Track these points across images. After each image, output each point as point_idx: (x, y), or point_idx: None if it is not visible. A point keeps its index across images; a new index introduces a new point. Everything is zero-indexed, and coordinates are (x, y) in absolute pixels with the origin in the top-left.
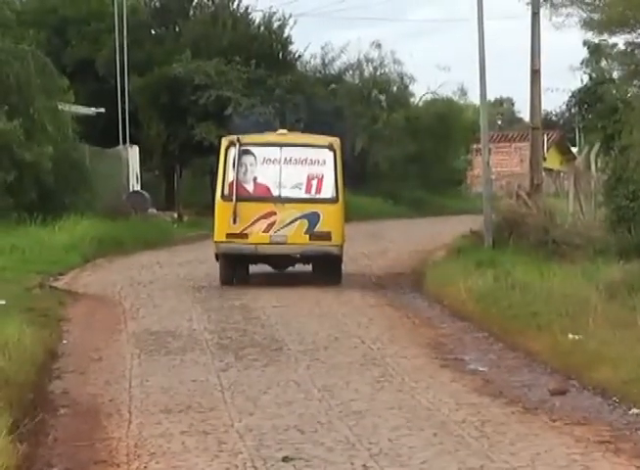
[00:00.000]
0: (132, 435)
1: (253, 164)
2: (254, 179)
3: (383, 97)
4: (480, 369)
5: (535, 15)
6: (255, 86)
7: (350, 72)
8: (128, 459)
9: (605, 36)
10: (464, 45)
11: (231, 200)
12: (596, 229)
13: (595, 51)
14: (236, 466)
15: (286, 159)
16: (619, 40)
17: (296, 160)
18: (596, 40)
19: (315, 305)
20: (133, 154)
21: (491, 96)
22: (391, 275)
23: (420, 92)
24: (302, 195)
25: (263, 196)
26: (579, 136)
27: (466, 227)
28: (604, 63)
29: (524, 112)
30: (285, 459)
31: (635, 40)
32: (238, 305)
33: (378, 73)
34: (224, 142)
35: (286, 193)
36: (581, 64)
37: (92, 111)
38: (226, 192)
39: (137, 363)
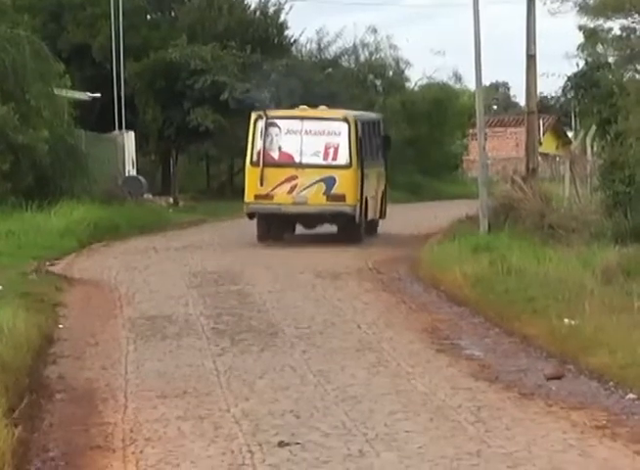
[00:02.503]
0: (128, 420)
1: (278, 134)
2: (279, 148)
3: (378, 82)
4: (477, 354)
5: (531, 0)
6: (251, 71)
7: (346, 57)
8: (124, 444)
9: (600, 21)
10: (459, 30)
11: (258, 165)
12: (592, 213)
13: (591, 36)
14: (232, 451)
15: (306, 130)
16: (615, 25)
17: (315, 131)
18: (592, 25)
19: (311, 290)
20: (129, 139)
21: (487, 81)
22: (387, 260)
23: (415, 77)
24: (321, 161)
25: (287, 162)
26: (575, 120)
27: (462, 212)
28: (600, 47)
29: (519, 96)
30: (281, 444)
31: (631, 25)
32: (234, 291)
33: (373, 58)
34: (253, 116)
35: (306, 160)
36: (577, 49)
37: (88, 96)
38: (254, 159)
39: (133, 348)
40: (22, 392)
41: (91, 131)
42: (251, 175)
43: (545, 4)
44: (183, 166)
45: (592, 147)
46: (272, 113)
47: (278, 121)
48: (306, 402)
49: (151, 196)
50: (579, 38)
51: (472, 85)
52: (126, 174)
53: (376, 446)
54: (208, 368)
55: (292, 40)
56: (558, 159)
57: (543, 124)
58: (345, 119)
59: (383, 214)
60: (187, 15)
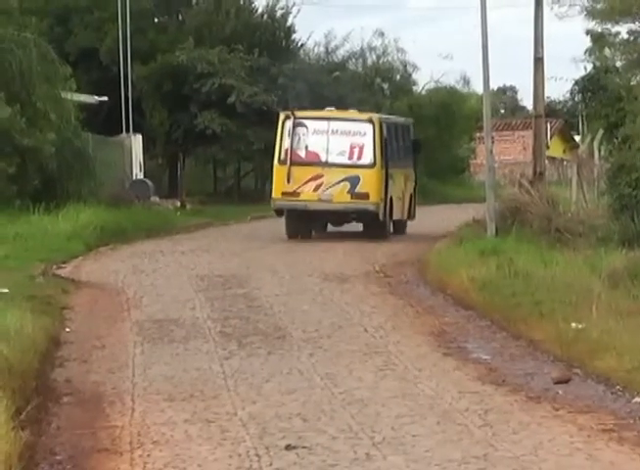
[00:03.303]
0: (135, 423)
1: (305, 134)
2: (306, 147)
3: (386, 85)
4: (484, 358)
5: (538, 4)
6: (258, 74)
7: (353, 61)
8: (131, 447)
9: (608, 25)
10: (467, 33)
11: (286, 163)
12: (599, 217)
13: (598, 40)
14: (239, 454)
15: (332, 130)
16: (623, 29)
17: (340, 131)
18: (599, 29)
19: (318, 294)
20: (136, 142)
21: (494, 84)
22: (394, 263)
23: (423, 80)
24: (346, 161)
25: (313, 161)
26: (582, 124)
27: (469, 215)
28: (607, 51)
29: (527, 100)
30: (288, 447)
31: (638, 29)
32: (241, 294)
33: (381, 62)
34: (281, 116)
35: (332, 159)
36: (585, 53)
37: (95, 99)
38: (282, 157)
39: (140, 351)
40: (29, 395)
41: (98, 134)
42: (278, 173)
43: (552, 9)
44: (190, 170)
45: (599, 151)
46: (300, 113)
47: (305, 121)
48: (313, 406)
49: (158, 199)
50: (587, 42)
51: (479, 89)
52: (133, 177)
53: (383, 449)
54: (215, 371)
55: (299, 44)
56: (565, 162)
57: (551, 128)
58: (370, 121)
59: (411, 216)
60: (194, 18)
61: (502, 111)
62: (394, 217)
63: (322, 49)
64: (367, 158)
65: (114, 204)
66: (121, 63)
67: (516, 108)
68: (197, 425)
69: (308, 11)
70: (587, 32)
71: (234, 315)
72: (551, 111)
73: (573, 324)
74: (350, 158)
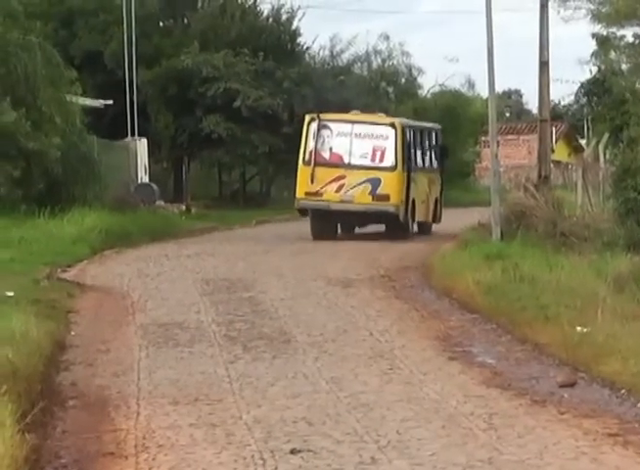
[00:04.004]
0: (140, 427)
1: (330, 136)
2: (330, 149)
3: (391, 89)
4: (489, 361)
5: (544, 7)
6: (264, 78)
7: (359, 64)
8: (136, 451)
9: (613, 29)
10: (472, 37)
11: (310, 164)
12: (604, 221)
13: (603, 43)
14: (244, 458)
15: (356, 133)
16: (628, 32)
17: (364, 134)
18: (604, 32)
19: (323, 298)
20: (141, 146)
21: (500, 88)
22: (400, 268)
23: (428, 84)
24: (368, 163)
25: (336, 162)
26: (588, 128)
27: (474, 219)
28: (612, 55)
29: (532, 104)
30: (293, 451)
31: None
32: (246, 298)
33: (386, 65)
34: (307, 118)
35: (354, 161)
36: (591, 56)
37: (100, 103)
38: (307, 158)
39: (145, 355)
40: (35, 398)
41: (103, 138)
42: (302, 173)
43: (559, 13)
44: (195, 174)
45: (604, 154)
46: (325, 115)
47: (330, 124)
48: (318, 410)
49: (163, 203)
50: (592, 45)
51: (484, 92)
52: (139, 181)
53: (388, 453)
54: (220, 375)
55: (304, 47)
56: (570, 166)
57: (556, 132)
58: (393, 125)
59: (437, 219)
60: (199, 22)
61: (507, 114)
62: (418, 220)
63: (327, 53)
64: (389, 161)
65: (119, 207)
66: (126, 66)
67: (521, 111)
68: (202, 429)
69: (313, 14)
70: (593, 36)
71: (239, 319)
72: (556, 114)
73: (579, 328)
74: (372, 160)
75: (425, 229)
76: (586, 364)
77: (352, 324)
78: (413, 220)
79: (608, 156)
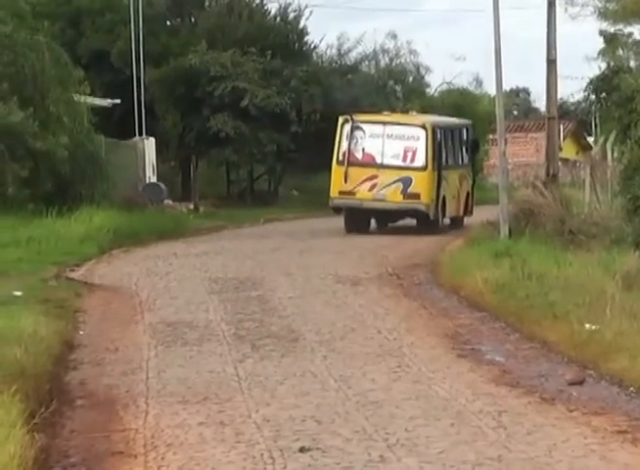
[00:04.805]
0: (149, 426)
1: (363, 137)
2: (363, 149)
3: (398, 87)
4: (497, 359)
5: (551, 5)
6: (271, 77)
7: (366, 63)
8: (145, 450)
9: (620, 26)
10: (479, 35)
11: (344, 164)
12: (612, 219)
13: (611, 41)
14: (253, 457)
15: (388, 134)
16: (635, 30)
17: (395, 135)
18: (612, 30)
19: (331, 296)
20: (149, 145)
21: (507, 86)
22: (408, 266)
23: (436, 82)
24: (399, 163)
25: (369, 162)
26: (596, 126)
27: (482, 217)
28: (620, 52)
29: (539, 102)
30: (302, 450)
31: None
32: (254, 296)
33: (393, 64)
34: (340, 119)
35: (387, 161)
36: (598, 54)
37: (108, 102)
38: (340, 158)
39: (154, 354)
40: (43, 398)
41: (111, 138)
42: (336, 173)
43: (566, 10)
44: (203, 173)
45: (612, 152)
46: (358, 117)
47: (363, 125)
48: (327, 408)
49: (171, 202)
50: (600, 42)
51: (492, 90)
52: (146, 181)
53: (397, 451)
54: (229, 374)
55: (312, 46)
56: (578, 164)
57: (563, 130)
58: (423, 126)
59: (469, 212)
60: (207, 21)
61: (515, 112)
62: (449, 215)
63: (334, 51)
64: (419, 161)
65: (127, 207)
66: (134, 66)
67: (529, 109)
68: (211, 427)
69: (321, 13)
70: (600, 33)
71: (247, 318)
72: (564, 112)
73: (587, 325)
74: (404, 160)
75: (457, 222)
76: (595, 362)
77: (361, 322)
78: (444, 216)
79: (616, 153)
